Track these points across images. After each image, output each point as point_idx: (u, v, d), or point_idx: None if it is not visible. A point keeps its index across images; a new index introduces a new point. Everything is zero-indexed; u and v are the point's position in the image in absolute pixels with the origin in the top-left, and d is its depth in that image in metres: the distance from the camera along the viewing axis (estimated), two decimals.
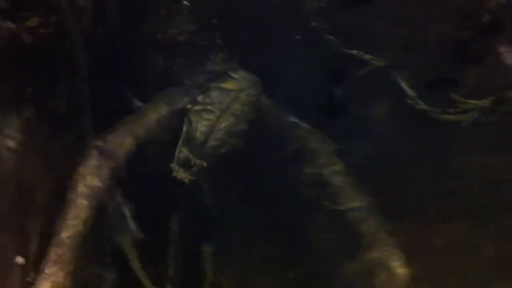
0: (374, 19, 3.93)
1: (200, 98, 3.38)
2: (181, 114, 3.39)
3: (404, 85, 4.02)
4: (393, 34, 3.95)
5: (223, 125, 3.33)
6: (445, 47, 3.96)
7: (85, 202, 2.85)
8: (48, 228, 2.84)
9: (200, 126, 3.29)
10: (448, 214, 4.14)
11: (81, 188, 2.88)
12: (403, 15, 3.92)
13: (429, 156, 4.10)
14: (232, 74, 3.42)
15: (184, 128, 3.29)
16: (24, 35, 2.61)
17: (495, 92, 3.96)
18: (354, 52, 3.96)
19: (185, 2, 3.42)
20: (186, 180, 3.25)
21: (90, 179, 2.90)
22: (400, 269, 3.63)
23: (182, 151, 3.26)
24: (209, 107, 3.32)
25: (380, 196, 3.90)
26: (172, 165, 3.23)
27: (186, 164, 3.26)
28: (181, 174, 3.22)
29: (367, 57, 3.98)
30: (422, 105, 3.98)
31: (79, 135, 3.14)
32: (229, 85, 3.42)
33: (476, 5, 3.80)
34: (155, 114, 3.30)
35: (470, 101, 3.99)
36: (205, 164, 3.29)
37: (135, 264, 3.38)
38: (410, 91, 4.01)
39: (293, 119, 3.78)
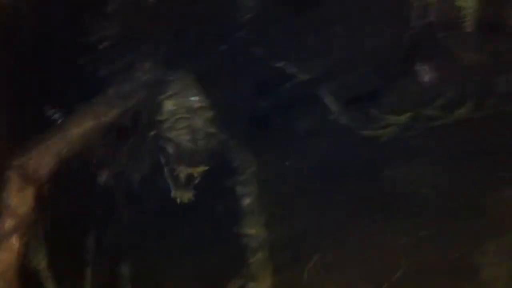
0: (303, 32, 3.95)
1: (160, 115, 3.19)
2: (109, 129, 3.18)
3: (328, 99, 4.05)
4: (321, 48, 3.94)
5: (199, 123, 3.14)
6: (370, 63, 4.04)
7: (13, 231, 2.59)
8: None
9: (182, 136, 3.14)
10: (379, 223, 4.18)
11: (7, 218, 2.60)
12: (331, 30, 3.95)
13: (356, 170, 4.10)
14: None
15: (170, 149, 3.11)
16: None
17: (413, 108, 4.08)
18: (281, 64, 3.95)
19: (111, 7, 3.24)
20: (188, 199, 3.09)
21: (14, 206, 2.63)
22: None
23: (181, 171, 3.09)
24: (178, 116, 3.17)
25: (306, 211, 3.85)
26: (173, 193, 3.04)
27: (185, 183, 3.10)
28: (184, 196, 3.07)
29: (293, 70, 3.97)
30: (345, 120, 3.99)
31: None
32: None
33: (400, 24, 3.89)
34: (79, 128, 3.07)
35: (390, 116, 4.08)
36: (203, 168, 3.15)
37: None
38: (334, 106, 4.03)
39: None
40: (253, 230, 3.76)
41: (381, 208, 4.09)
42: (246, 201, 3.76)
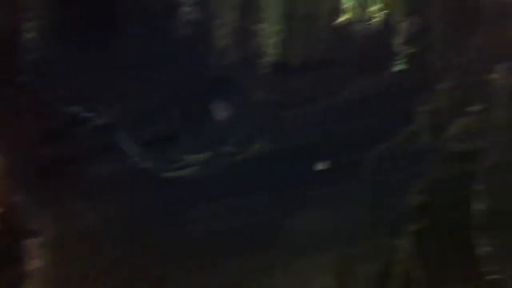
0: (96, 75, 3.93)
1: None
2: None
3: (125, 143, 4.02)
4: (116, 91, 3.96)
5: None
6: (167, 103, 4.11)
7: None
8: None
9: None
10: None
11: None
12: (127, 73, 3.97)
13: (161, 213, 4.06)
14: None
15: None
16: None
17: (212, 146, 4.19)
18: (74, 109, 3.86)
19: None
20: None
21: None
22: None
23: None
24: None
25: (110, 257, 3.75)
26: None
27: None
28: None
29: (88, 115, 3.91)
30: (145, 164, 3.99)
31: None
32: None
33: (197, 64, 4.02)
34: None
35: (190, 156, 4.14)
36: None
37: None
38: (132, 150, 4.00)
39: None
40: None
41: (190, 250, 4.09)
42: None
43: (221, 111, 4.29)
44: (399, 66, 3.61)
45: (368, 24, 3.49)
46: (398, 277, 3.69)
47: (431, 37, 3.90)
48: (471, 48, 3.89)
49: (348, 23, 3.43)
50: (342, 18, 3.42)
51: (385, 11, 3.53)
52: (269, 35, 3.85)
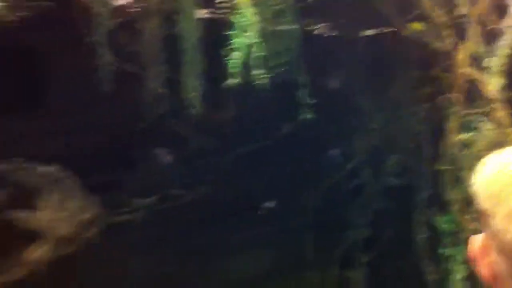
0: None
1: None
2: None
3: (75, 191, 3.99)
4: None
5: None
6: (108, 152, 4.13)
7: None
8: None
9: None
10: None
11: None
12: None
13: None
14: None
15: None
16: None
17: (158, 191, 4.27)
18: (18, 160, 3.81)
19: None
20: None
21: None
22: None
23: None
24: None
25: None
26: None
27: None
28: None
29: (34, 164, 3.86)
30: (94, 209, 3.99)
31: None
32: None
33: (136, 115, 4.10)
34: None
35: (138, 200, 4.19)
36: None
37: None
38: (83, 197, 3.99)
39: None
40: None
41: None
42: None
43: (163, 156, 4.39)
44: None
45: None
46: None
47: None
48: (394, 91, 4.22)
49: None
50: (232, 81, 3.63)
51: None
52: (191, 88, 4.04)
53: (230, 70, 3.47)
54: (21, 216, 3.35)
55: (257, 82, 3.40)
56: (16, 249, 3.31)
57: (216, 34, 3.60)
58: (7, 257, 3.25)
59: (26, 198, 3.43)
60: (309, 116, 3.59)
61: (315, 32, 3.93)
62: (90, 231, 3.60)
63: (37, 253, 3.34)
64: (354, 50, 3.96)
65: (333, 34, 3.95)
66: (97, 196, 3.99)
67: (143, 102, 4.03)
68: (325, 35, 3.95)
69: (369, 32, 3.87)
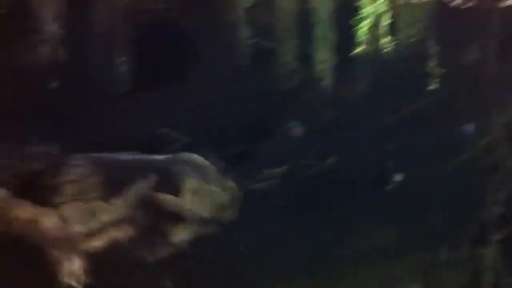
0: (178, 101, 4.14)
1: None
2: None
3: (211, 159, 4.22)
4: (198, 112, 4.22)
5: None
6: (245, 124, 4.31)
7: None
8: None
9: None
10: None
11: None
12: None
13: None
14: None
15: None
16: None
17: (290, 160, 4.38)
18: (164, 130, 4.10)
19: None
20: None
21: None
22: None
23: None
24: None
25: None
26: None
27: None
28: None
29: (176, 134, 4.15)
30: (229, 177, 4.16)
31: None
32: None
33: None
34: None
35: (270, 170, 4.32)
36: None
37: None
38: (219, 164, 4.21)
39: None
40: None
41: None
42: None
43: (295, 128, 4.51)
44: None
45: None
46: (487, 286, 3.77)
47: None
48: None
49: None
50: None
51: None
52: (323, 61, 4.07)
53: (359, 39, 3.48)
54: (168, 200, 3.64)
55: (386, 53, 3.39)
56: (163, 230, 3.60)
57: (347, 6, 3.62)
58: (155, 237, 3.55)
59: (172, 183, 3.70)
60: (440, 88, 3.52)
61: (452, 3, 3.82)
62: (228, 213, 3.80)
63: (181, 234, 3.61)
64: (490, 22, 3.81)
65: (470, 5, 3.81)
66: (232, 166, 4.26)
67: (277, 76, 4.19)
68: (462, 7, 3.83)
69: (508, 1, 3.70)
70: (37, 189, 3.44)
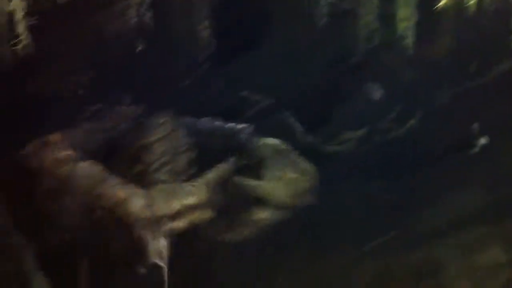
0: (259, 64, 4.22)
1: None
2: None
3: (291, 121, 4.29)
4: (277, 75, 4.27)
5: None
6: (325, 87, 4.36)
7: None
8: None
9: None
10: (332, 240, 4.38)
11: None
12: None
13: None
14: None
15: None
16: None
17: (368, 123, 4.42)
18: (245, 93, 4.19)
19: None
20: None
21: None
22: None
23: None
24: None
25: None
26: None
27: None
28: None
29: (256, 97, 4.22)
30: (308, 139, 4.30)
31: None
32: None
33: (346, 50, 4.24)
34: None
35: (348, 132, 4.37)
36: None
37: None
38: (297, 127, 4.28)
39: None
40: None
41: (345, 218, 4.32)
42: None
43: (374, 91, 4.49)
44: None
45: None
46: None
47: None
48: None
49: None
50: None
51: None
52: (404, 21, 4.00)
53: None
54: (250, 183, 3.78)
55: (470, 8, 3.27)
56: (244, 211, 3.74)
57: None
58: (236, 217, 3.71)
59: (254, 167, 3.83)
60: None
61: None
62: (306, 198, 3.90)
63: (260, 216, 3.74)
64: None
65: None
66: (312, 128, 4.34)
67: (357, 36, 4.17)
68: None
69: None
70: (127, 154, 3.66)
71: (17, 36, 2.97)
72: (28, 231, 3.32)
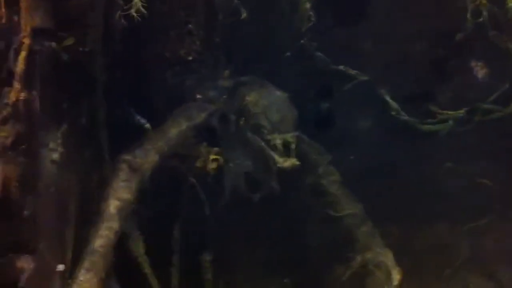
0: (359, 38, 4.22)
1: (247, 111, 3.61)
2: (199, 129, 3.55)
3: (388, 98, 4.29)
4: (376, 52, 4.25)
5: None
6: (423, 63, 4.29)
7: (116, 213, 3.00)
8: (79, 236, 2.97)
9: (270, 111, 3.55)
10: (427, 217, 4.41)
11: (113, 201, 3.03)
12: (384, 35, 4.21)
13: (411, 164, 4.36)
14: None
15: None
16: (62, 53, 2.76)
17: (469, 103, 4.31)
18: (341, 67, 4.22)
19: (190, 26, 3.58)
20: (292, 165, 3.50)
21: (121, 192, 3.05)
22: (393, 269, 3.87)
23: (275, 138, 3.46)
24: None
25: (368, 203, 4.17)
26: (277, 162, 3.43)
27: (284, 150, 3.46)
28: (287, 162, 3.44)
29: (353, 72, 4.24)
30: (404, 117, 4.26)
31: (97, 148, 3.27)
32: None
33: (451, 25, 4.14)
34: (176, 129, 3.45)
35: (446, 111, 4.30)
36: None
37: (148, 270, 3.49)
38: (393, 104, 4.27)
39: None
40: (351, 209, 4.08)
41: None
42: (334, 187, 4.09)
43: (480, 69, 4.36)
44: None
45: None
46: None
47: None
48: None
49: None
50: None
51: None
52: None
53: None
54: None
55: None
56: None
57: None
58: None
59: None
60: None
61: None
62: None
63: None
64: None
65: None
66: (411, 106, 4.31)
67: (462, 13, 4.06)
68: None
69: None
70: None
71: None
72: None
